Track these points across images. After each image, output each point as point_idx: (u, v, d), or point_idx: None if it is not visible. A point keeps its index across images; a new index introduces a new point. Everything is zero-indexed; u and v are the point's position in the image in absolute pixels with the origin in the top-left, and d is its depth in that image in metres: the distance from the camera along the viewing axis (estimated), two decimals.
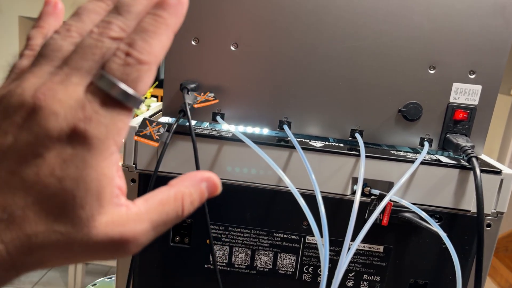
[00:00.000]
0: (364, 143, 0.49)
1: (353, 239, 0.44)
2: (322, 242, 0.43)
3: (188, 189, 0.24)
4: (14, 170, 0.20)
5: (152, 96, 2.07)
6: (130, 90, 0.21)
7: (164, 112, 0.52)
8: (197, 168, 0.47)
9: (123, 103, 0.21)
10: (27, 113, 0.20)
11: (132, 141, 0.48)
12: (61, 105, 0.20)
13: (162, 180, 0.49)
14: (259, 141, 0.48)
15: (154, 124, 0.46)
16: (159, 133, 0.46)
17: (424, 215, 0.46)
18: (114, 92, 0.21)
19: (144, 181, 0.49)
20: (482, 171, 0.47)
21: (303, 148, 0.47)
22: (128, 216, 0.22)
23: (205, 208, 0.48)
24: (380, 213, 0.48)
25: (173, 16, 0.23)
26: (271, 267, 0.51)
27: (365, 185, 0.49)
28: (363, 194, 0.49)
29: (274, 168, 0.46)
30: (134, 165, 0.49)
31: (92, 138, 0.20)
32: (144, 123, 0.46)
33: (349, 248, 0.43)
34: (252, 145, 0.47)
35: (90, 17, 0.23)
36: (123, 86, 0.21)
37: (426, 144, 0.51)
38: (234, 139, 0.48)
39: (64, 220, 0.20)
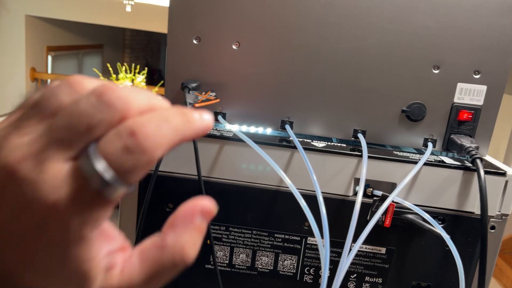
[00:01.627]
0: (367, 143, 0.49)
1: (355, 240, 0.43)
2: (322, 243, 0.43)
3: (184, 238, 0.21)
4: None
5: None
6: (117, 182, 0.18)
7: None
8: (198, 167, 0.46)
9: (101, 192, 0.18)
10: (3, 182, 0.18)
11: None
12: (33, 186, 0.18)
13: (162, 180, 0.49)
14: (261, 141, 0.47)
15: None
16: None
17: (427, 216, 0.45)
18: (99, 183, 0.17)
19: (145, 181, 0.49)
20: (486, 172, 0.46)
21: (304, 149, 0.47)
22: (122, 281, 0.21)
23: None
24: (382, 215, 0.47)
25: (199, 121, 0.20)
26: (272, 268, 0.51)
27: (367, 186, 0.49)
28: (365, 195, 0.48)
29: (275, 168, 0.46)
30: None
31: (65, 229, 0.18)
32: None
33: (350, 250, 0.42)
34: (253, 145, 0.46)
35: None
36: (110, 176, 0.17)
37: (430, 144, 0.50)
38: (235, 139, 0.48)
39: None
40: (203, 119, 0.20)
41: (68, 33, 4.30)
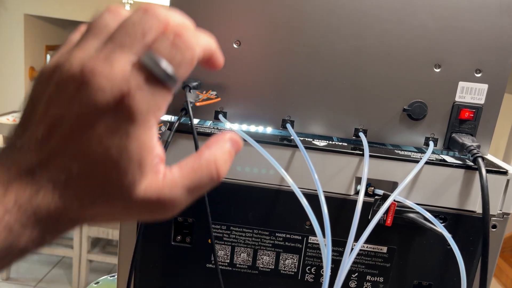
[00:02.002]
0: (368, 142, 0.48)
1: (356, 239, 0.43)
2: (324, 243, 0.43)
3: (217, 153, 0.26)
4: (67, 139, 0.22)
5: None
6: (171, 71, 0.22)
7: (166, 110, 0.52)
8: None
9: (164, 82, 0.22)
10: (76, 87, 0.22)
11: None
12: (107, 80, 0.21)
13: None
14: (262, 140, 0.47)
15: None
16: (160, 131, 0.45)
17: (428, 215, 0.45)
18: (157, 71, 0.22)
19: None
20: (488, 171, 0.46)
21: (306, 148, 0.47)
22: (164, 182, 0.24)
23: (206, 207, 0.47)
24: (383, 214, 0.47)
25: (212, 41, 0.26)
26: (273, 267, 0.51)
27: (368, 185, 0.49)
28: (366, 194, 0.48)
29: (276, 167, 0.46)
30: None
31: (134, 113, 0.22)
32: None
33: (352, 249, 0.42)
34: (254, 144, 0.46)
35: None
36: (165, 65, 0.22)
37: (431, 143, 0.50)
38: None
39: (110, 184, 0.23)
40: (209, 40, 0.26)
41: (67, 32, 4.29)
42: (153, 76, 0.22)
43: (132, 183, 0.23)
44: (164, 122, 0.46)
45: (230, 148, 0.26)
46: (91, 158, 0.22)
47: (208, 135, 0.48)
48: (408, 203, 0.47)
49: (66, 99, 0.22)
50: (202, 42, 0.24)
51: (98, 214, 0.24)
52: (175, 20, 0.24)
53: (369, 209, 0.48)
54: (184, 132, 0.47)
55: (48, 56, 4.07)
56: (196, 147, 0.46)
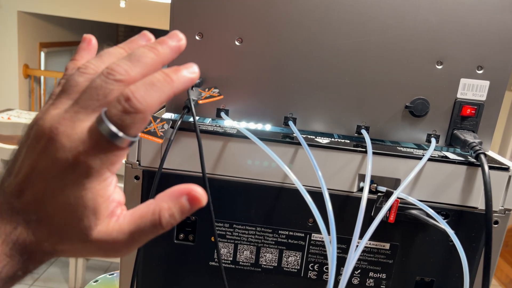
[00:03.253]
0: (371, 139, 0.48)
1: (361, 236, 0.43)
2: (329, 240, 0.43)
3: (166, 204, 0.27)
4: (37, 187, 0.26)
5: None
6: (120, 134, 0.25)
7: (168, 108, 0.52)
8: (202, 165, 0.46)
9: (114, 142, 0.25)
10: (45, 143, 0.26)
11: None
12: (68, 139, 0.25)
13: (167, 177, 0.48)
14: (264, 137, 0.47)
15: (158, 120, 0.45)
16: (163, 130, 0.45)
17: (431, 212, 0.46)
18: (106, 133, 0.25)
19: (148, 178, 0.48)
20: (490, 167, 0.46)
21: (308, 145, 0.47)
22: (113, 226, 0.27)
23: (209, 205, 0.47)
24: (387, 210, 0.48)
25: (181, 79, 0.27)
26: (276, 264, 0.51)
27: (371, 182, 0.49)
28: (369, 191, 0.48)
29: (280, 164, 0.46)
30: (137, 162, 0.48)
31: (89, 168, 0.25)
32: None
33: (357, 246, 0.42)
34: (257, 142, 0.46)
35: (108, 59, 0.28)
36: (114, 130, 0.25)
37: (433, 140, 0.50)
38: (239, 136, 0.47)
39: (70, 227, 0.26)
40: (185, 75, 0.27)
41: (61, 29, 4.26)
42: (105, 138, 0.25)
43: (88, 227, 0.26)
44: (167, 120, 0.45)
45: (184, 203, 0.27)
46: (54, 205, 0.26)
47: (211, 133, 0.48)
48: (411, 199, 0.47)
49: (38, 152, 0.26)
50: (156, 96, 0.25)
51: (67, 249, 0.27)
52: (133, 77, 0.26)
53: (371, 206, 0.48)
54: (186, 130, 0.47)
55: (42, 54, 4.04)
56: (200, 145, 0.45)
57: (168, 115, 0.53)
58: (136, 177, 0.49)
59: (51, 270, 2.41)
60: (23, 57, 3.84)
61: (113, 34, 5.32)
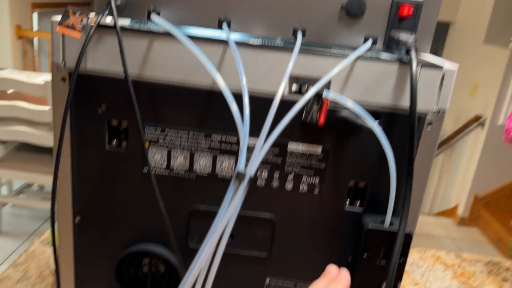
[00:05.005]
0: (308, 43, 0.47)
1: (288, 138, 0.43)
2: (247, 141, 0.42)
3: None
4: None
5: None
6: None
7: (97, 8, 0.50)
8: (124, 65, 0.45)
9: None
10: None
11: (60, 36, 0.46)
12: None
13: (92, 79, 0.47)
14: (192, 35, 0.46)
15: (77, 14, 0.44)
16: (82, 24, 0.44)
17: (358, 108, 0.45)
18: None
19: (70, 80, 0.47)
20: (422, 66, 0.45)
21: (238, 44, 0.45)
22: None
23: (135, 109, 0.46)
24: (317, 112, 0.47)
25: None
26: (210, 170, 0.51)
27: (303, 83, 0.47)
28: (300, 92, 0.47)
29: (207, 67, 0.45)
30: (63, 63, 0.47)
31: None
32: (66, 13, 0.44)
33: (264, 144, 0.42)
34: (184, 40, 0.45)
35: None
36: None
37: (369, 40, 0.48)
38: (165, 34, 0.46)
39: None
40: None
41: None
42: None
43: None
44: (86, 14, 0.44)
45: None
46: None
47: (135, 31, 0.46)
48: (341, 98, 0.46)
49: None
50: None
51: None
52: None
53: (303, 109, 0.47)
54: (108, 27, 0.46)
55: (35, 15, 3.97)
56: (120, 41, 0.44)
57: (92, 13, 0.51)
58: (63, 79, 0.48)
59: (44, 226, 2.46)
60: (15, 18, 3.79)
61: None
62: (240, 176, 0.40)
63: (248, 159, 0.42)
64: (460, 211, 3.44)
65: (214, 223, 0.40)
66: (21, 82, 1.88)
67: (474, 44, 3.36)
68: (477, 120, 3.19)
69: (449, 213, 3.61)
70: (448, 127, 3.72)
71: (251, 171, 0.41)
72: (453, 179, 3.64)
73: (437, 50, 5.15)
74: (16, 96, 2.14)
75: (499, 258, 1.11)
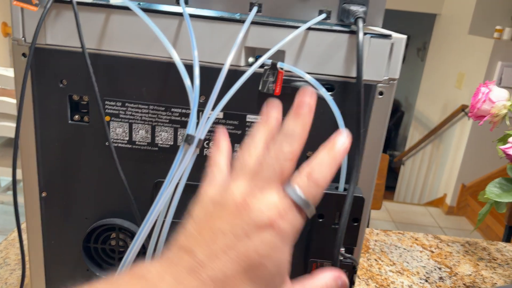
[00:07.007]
0: (264, 17, 0.48)
1: (251, 111, 0.44)
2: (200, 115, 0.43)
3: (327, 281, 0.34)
4: (230, 245, 0.28)
5: None
6: (310, 202, 0.31)
7: None
8: (81, 39, 0.46)
9: (303, 210, 0.31)
10: (238, 210, 0.29)
11: (19, 11, 0.47)
12: (264, 205, 0.30)
13: (51, 53, 0.48)
14: (147, 8, 0.47)
15: None
16: (37, 1, 0.45)
17: (308, 78, 0.46)
18: (300, 202, 0.30)
19: (35, 55, 0.49)
20: (371, 36, 0.46)
21: (192, 16, 0.47)
22: None
23: (93, 83, 0.48)
24: (272, 83, 0.48)
25: (342, 153, 0.33)
26: (172, 143, 0.52)
27: (258, 56, 0.49)
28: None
29: (162, 40, 0.46)
30: (23, 38, 0.48)
31: (283, 232, 0.29)
32: None
33: (209, 117, 0.43)
34: (139, 13, 0.46)
35: (262, 141, 0.34)
36: (305, 198, 0.30)
37: (322, 14, 0.50)
38: (121, 7, 0.47)
39: (257, 285, 0.29)
40: (342, 143, 0.34)
41: None
42: (296, 205, 0.30)
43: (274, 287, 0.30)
44: None
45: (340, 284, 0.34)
46: (245, 263, 0.28)
47: (91, 5, 0.47)
48: (295, 70, 0.47)
49: (229, 217, 0.29)
50: (327, 172, 0.32)
51: None
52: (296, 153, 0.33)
53: (258, 80, 0.49)
54: (67, 3, 0.47)
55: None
56: (76, 16, 0.45)
57: None
58: (24, 55, 0.49)
59: None
60: (1, 15, 3.77)
61: None
62: (189, 139, 0.41)
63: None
64: (448, 200, 3.48)
65: (162, 187, 0.42)
66: (6, 77, 1.89)
67: (459, 35, 3.39)
68: (463, 109, 3.22)
69: (438, 202, 3.66)
70: (435, 117, 3.75)
71: (200, 134, 0.42)
72: (441, 168, 3.68)
73: (425, 42, 5.18)
74: (2, 92, 2.13)
75: (476, 239, 1.13)
